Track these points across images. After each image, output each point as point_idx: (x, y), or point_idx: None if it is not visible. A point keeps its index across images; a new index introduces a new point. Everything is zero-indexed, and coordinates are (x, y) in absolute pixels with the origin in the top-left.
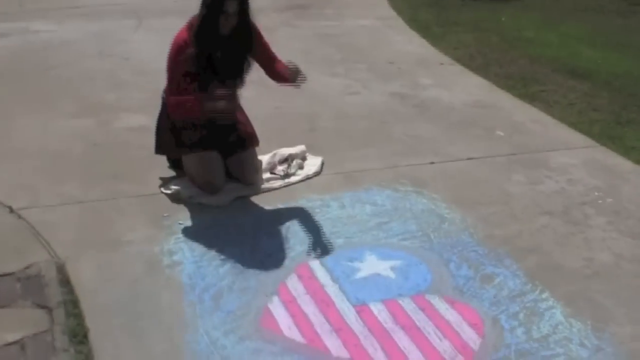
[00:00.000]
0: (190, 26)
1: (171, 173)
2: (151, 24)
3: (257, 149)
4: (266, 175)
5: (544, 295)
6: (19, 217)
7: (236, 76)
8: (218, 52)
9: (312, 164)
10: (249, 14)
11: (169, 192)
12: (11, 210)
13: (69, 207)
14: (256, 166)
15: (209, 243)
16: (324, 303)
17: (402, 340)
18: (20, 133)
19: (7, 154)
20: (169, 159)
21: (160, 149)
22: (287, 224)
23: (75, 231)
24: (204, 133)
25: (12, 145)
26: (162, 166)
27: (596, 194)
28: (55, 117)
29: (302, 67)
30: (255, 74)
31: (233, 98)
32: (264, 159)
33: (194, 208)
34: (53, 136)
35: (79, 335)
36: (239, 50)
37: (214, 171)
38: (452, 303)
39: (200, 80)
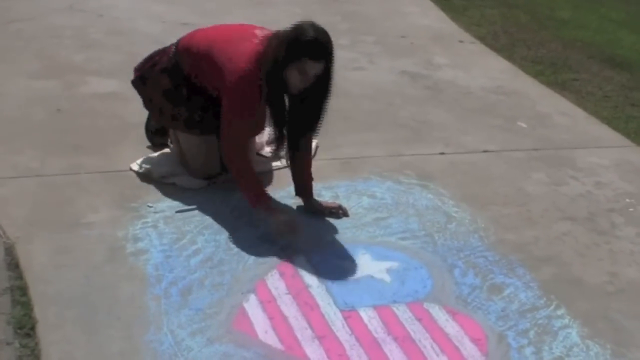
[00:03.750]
0: (258, 57)
1: (142, 148)
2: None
3: None
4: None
5: (560, 312)
6: None
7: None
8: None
9: None
10: (330, 78)
11: (138, 169)
12: None
13: (24, 180)
14: (253, 151)
15: (180, 230)
16: (308, 306)
17: (394, 352)
18: None
19: None
20: (150, 123)
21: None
22: None
23: (28, 209)
24: (209, 114)
25: None
26: (132, 140)
27: (627, 200)
28: (13, 77)
29: None
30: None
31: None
32: None
33: (166, 190)
34: (10, 98)
35: (26, 327)
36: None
37: (213, 162)
38: (453, 314)
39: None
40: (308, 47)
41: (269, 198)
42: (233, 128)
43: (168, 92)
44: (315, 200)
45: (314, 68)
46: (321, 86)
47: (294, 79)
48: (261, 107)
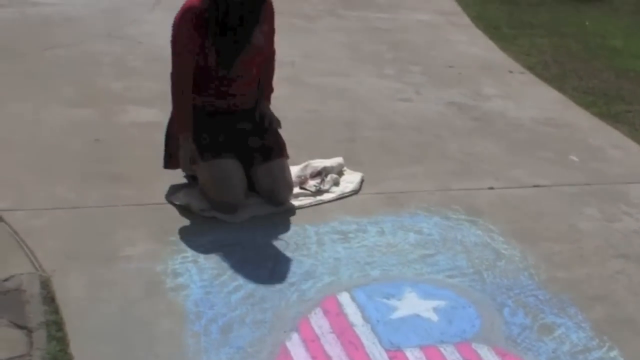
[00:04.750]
0: None
1: (181, 180)
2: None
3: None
4: (295, 190)
5: (612, 354)
6: (0, 219)
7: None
8: (232, 16)
9: (350, 180)
10: None
11: (177, 202)
12: None
13: (60, 212)
14: (290, 182)
15: (221, 265)
16: (352, 345)
17: None
18: (8, 121)
19: None
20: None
21: (169, 161)
22: (315, 249)
23: (65, 241)
24: (218, 137)
25: None
26: (171, 171)
27: None
28: (51, 105)
29: (346, 65)
30: (288, 69)
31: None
32: (294, 171)
33: (206, 223)
34: (47, 127)
35: None
36: (250, 16)
37: (232, 187)
38: (503, 355)
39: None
40: None
41: (189, 131)
42: (173, 63)
43: (171, 133)
44: (265, 106)
45: None
46: None
47: None
48: (206, 47)
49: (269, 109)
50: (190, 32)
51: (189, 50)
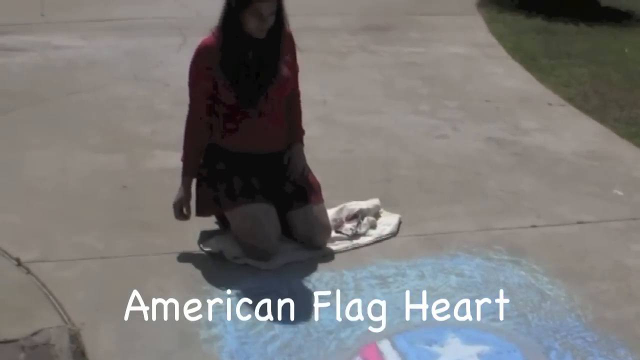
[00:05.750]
0: (215, 31)
1: (212, 227)
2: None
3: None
4: (331, 234)
5: None
6: (28, 271)
7: (268, 80)
8: (249, 54)
9: (387, 222)
10: (283, 11)
11: (209, 249)
12: (19, 263)
13: (89, 262)
14: (328, 226)
15: (256, 315)
16: None
17: None
18: (34, 168)
19: (18, 193)
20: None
21: (201, 208)
22: (353, 295)
23: (94, 292)
24: (251, 181)
25: (23, 183)
26: (202, 218)
27: None
28: (77, 151)
29: (380, 102)
30: (320, 108)
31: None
32: (329, 214)
33: (240, 271)
34: (73, 174)
35: None
36: (272, 52)
37: (265, 233)
38: None
39: (225, 96)
40: None
41: (191, 176)
42: (189, 107)
43: (202, 178)
44: (298, 150)
45: (267, 7)
46: (278, 20)
47: (251, 24)
48: (222, 89)
49: (302, 153)
50: (204, 75)
51: (202, 97)
